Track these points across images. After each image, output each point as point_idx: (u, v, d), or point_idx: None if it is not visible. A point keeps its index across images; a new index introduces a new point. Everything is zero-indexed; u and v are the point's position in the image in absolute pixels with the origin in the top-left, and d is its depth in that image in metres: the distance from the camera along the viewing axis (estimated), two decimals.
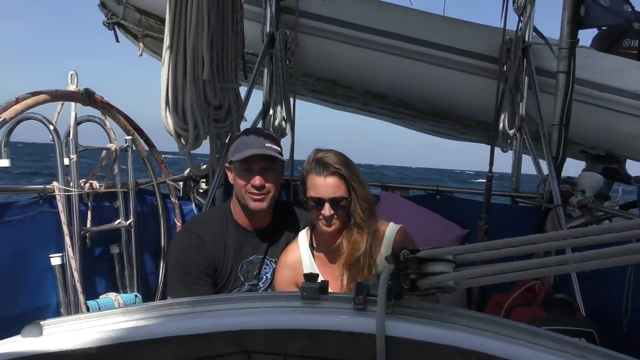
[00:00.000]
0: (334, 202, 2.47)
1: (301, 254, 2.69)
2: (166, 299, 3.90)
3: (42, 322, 1.42)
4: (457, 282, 1.35)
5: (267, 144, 2.63)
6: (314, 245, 2.70)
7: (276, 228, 2.80)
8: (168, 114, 3.28)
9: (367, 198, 2.61)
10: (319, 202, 2.49)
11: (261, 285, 2.77)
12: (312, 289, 1.49)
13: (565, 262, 1.32)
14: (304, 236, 2.73)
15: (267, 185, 2.63)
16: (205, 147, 3.68)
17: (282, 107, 4.80)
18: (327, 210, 2.47)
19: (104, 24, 5.73)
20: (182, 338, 1.38)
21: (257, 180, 2.59)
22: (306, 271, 2.57)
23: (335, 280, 2.60)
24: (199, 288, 2.57)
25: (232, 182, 2.73)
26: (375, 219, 2.62)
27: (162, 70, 3.30)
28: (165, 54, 3.25)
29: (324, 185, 2.47)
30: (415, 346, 1.34)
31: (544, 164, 4.42)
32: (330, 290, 2.53)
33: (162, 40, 5.46)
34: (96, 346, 1.38)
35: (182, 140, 3.39)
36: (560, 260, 1.33)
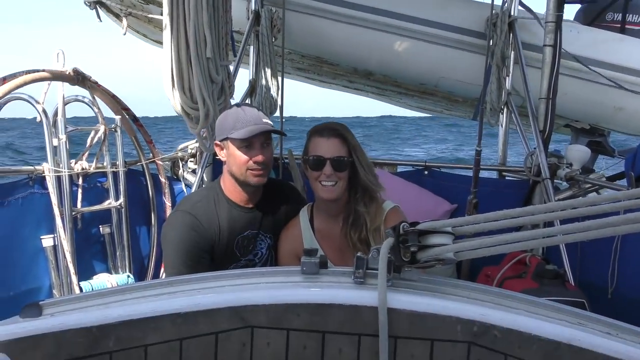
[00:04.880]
0: (335, 162, 2.49)
1: (302, 229, 2.71)
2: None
3: (41, 303, 1.42)
4: (457, 253, 1.36)
5: (264, 120, 2.63)
6: (314, 220, 2.72)
7: (267, 203, 2.80)
8: (175, 94, 3.28)
9: (370, 165, 2.63)
10: (320, 162, 2.50)
11: (257, 260, 2.79)
12: (312, 264, 1.50)
13: (562, 232, 1.34)
14: (304, 212, 2.76)
15: (267, 159, 2.64)
16: None
17: (269, 85, 4.78)
18: (328, 169, 2.49)
19: (85, 4, 5.65)
20: (184, 315, 1.39)
21: (260, 156, 2.59)
22: (306, 246, 2.59)
23: (337, 254, 2.62)
24: (199, 266, 2.57)
25: (222, 159, 2.71)
26: (380, 190, 2.66)
27: (163, 51, 3.28)
28: (166, 34, 3.22)
29: (326, 145, 2.52)
30: (417, 317, 1.36)
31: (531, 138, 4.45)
32: (330, 264, 2.57)
33: (144, 18, 5.45)
34: (98, 325, 1.38)
35: (193, 119, 3.40)
36: (552, 232, 1.35)
